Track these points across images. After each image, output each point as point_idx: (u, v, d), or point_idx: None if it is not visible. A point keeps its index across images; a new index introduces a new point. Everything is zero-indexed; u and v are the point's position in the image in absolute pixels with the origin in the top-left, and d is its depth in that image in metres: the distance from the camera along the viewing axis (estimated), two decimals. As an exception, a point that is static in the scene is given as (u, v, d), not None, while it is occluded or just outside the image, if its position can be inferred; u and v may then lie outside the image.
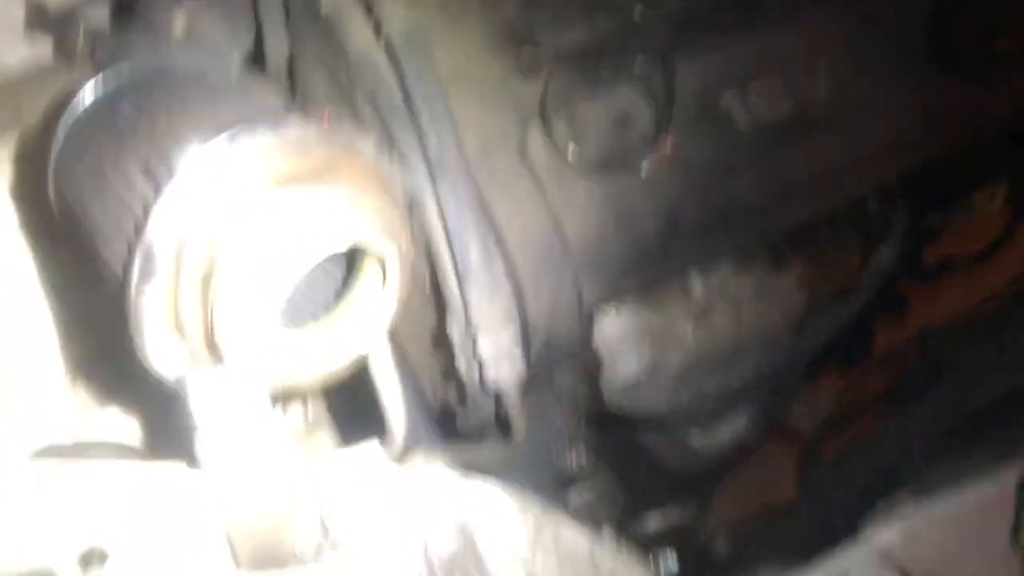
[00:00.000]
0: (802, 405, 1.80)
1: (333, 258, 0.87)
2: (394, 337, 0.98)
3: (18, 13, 1.18)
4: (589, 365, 1.24)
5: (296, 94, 1.22)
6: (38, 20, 1.16)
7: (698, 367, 1.37)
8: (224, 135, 0.81)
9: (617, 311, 1.27)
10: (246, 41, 1.20)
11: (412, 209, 0.99)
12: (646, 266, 1.16)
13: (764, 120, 1.17)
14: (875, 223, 1.47)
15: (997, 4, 1.30)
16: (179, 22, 1.06)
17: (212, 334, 0.83)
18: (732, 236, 1.22)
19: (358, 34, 1.04)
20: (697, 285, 1.33)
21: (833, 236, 1.43)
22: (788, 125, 1.18)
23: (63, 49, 1.13)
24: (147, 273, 0.80)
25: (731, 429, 1.56)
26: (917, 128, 1.27)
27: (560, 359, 1.16)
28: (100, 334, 1.20)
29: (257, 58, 1.22)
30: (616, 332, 1.27)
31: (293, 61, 1.21)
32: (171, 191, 0.79)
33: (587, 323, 1.17)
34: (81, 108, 0.97)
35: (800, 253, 1.40)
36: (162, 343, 0.84)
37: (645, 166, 1.09)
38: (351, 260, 0.92)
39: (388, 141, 0.99)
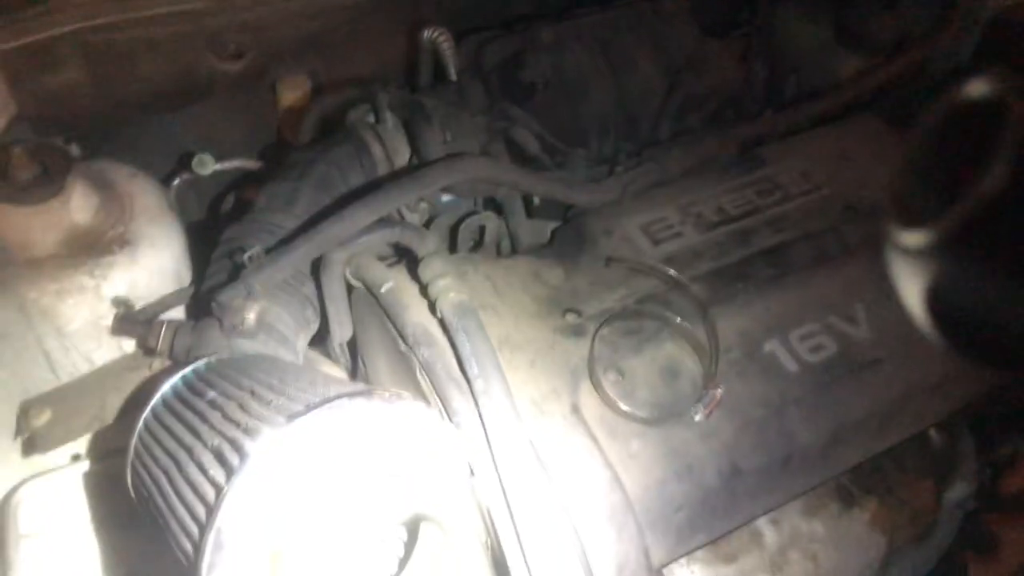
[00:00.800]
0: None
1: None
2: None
3: (107, 316, 1.29)
4: (665, 626, 1.18)
5: (358, 374, 1.29)
6: (125, 322, 1.28)
7: (780, 621, 1.31)
8: (291, 422, 0.86)
9: (690, 567, 1.24)
10: (313, 327, 1.28)
11: (472, 474, 1.01)
12: (712, 516, 1.14)
13: (811, 363, 1.20)
14: (943, 458, 1.45)
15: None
16: (251, 316, 1.16)
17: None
18: (794, 480, 1.20)
19: (414, 311, 1.12)
20: (768, 533, 1.30)
21: (902, 474, 1.40)
22: (835, 366, 1.20)
23: (146, 347, 1.23)
24: (217, 557, 0.82)
25: None
26: (961, 360, 1.28)
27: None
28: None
29: (323, 341, 1.31)
30: (690, 588, 1.23)
31: (355, 343, 1.29)
32: (241, 477, 0.83)
33: (656, 579, 1.14)
34: (159, 399, 1.04)
35: (870, 494, 1.36)
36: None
37: (697, 415, 1.11)
38: (413, 531, 0.93)
39: (445, 410, 1.03)
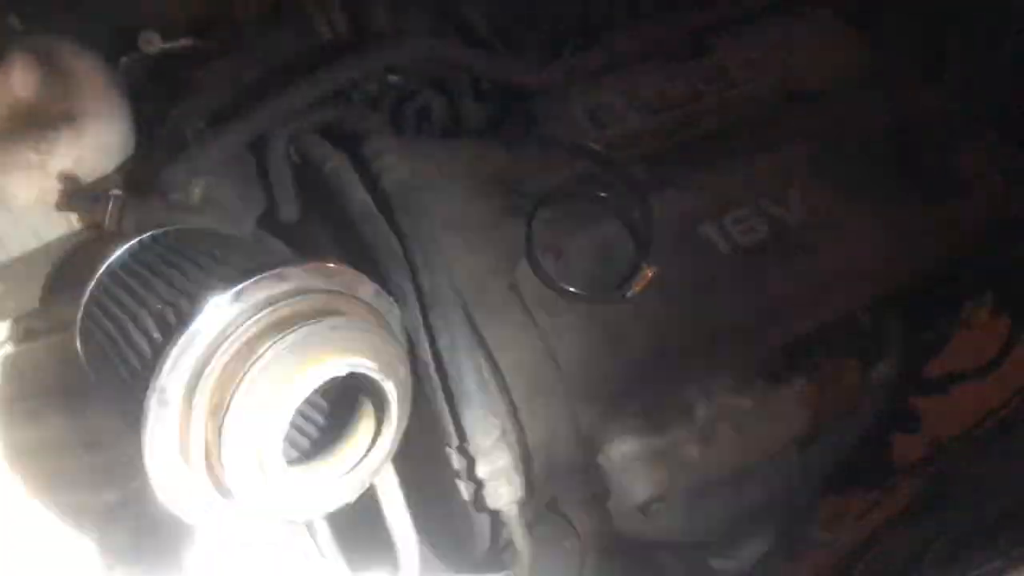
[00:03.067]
0: (825, 529, 1.79)
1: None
2: (396, 464, 1.03)
3: (54, 192, 1.30)
4: (597, 490, 1.26)
5: (305, 250, 1.32)
6: (73, 197, 1.29)
7: (708, 488, 1.39)
8: (231, 286, 0.89)
9: (621, 435, 1.31)
10: (260, 205, 1.30)
11: (409, 344, 1.06)
12: (640, 388, 1.20)
13: (742, 245, 1.24)
14: (869, 340, 1.52)
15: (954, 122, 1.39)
16: (196, 191, 1.18)
17: (220, 470, 0.88)
18: (721, 356, 1.26)
19: (356, 190, 1.14)
20: (699, 406, 1.37)
21: (829, 354, 1.47)
22: (766, 248, 1.25)
23: (93, 222, 1.25)
24: (160, 413, 0.87)
25: (752, 552, 1.56)
26: (893, 246, 1.34)
27: (564, 483, 1.18)
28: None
29: (271, 220, 1.33)
30: (622, 456, 1.30)
31: (301, 221, 1.31)
32: (182, 337, 0.87)
33: (588, 446, 1.21)
34: (106, 270, 1.07)
35: (797, 371, 1.44)
36: (173, 478, 0.89)
37: (629, 292, 1.15)
38: (348, 398, 0.98)
39: (386, 284, 1.07)
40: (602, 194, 1.23)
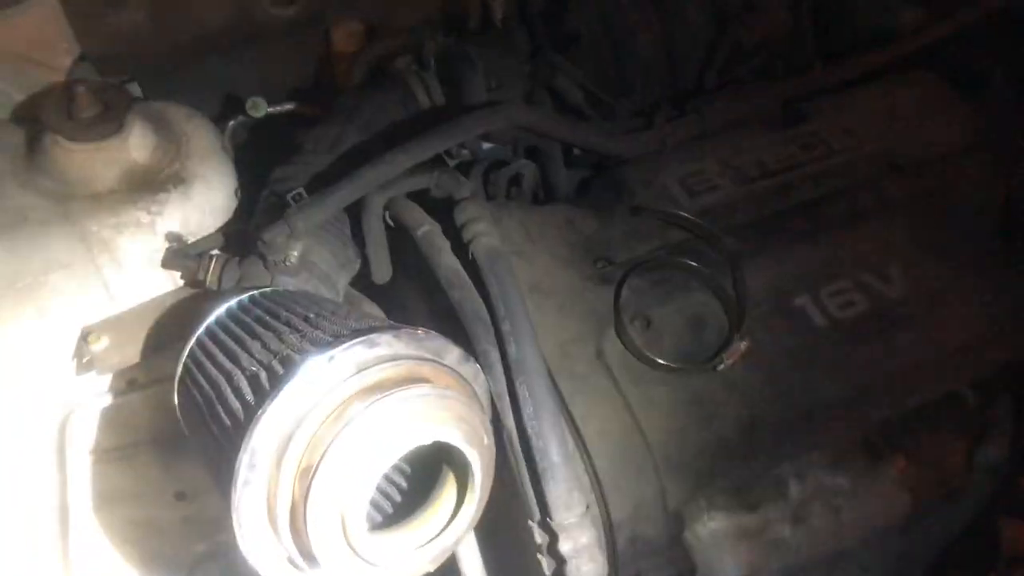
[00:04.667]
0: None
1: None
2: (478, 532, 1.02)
3: (162, 250, 1.36)
4: (683, 568, 1.22)
5: (396, 312, 1.34)
6: (177, 256, 1.34)
7: (800, 571, 1.33)
8: (323, 351, 0.91)
9: (710, 512, 1.27)
10: (354, 267, 1.33)
11: (494, 412, 1.05)
12: (731, 465, 1.16)
13: (840, 318, 1.21)
14: (977, 420, 1.44)
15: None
16: (294, 254, 1.21)
17: (304, 533, 0.89)
18: (817, 434, 1.21)
19: (447, 256, 1.15)
20: (792, 484, 1.32)
21: (933, 433, 1.40)
22: (865, 323, 1.21)
23: (195, 280, 1.30)
24: (249, 475, 0.88)
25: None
26: (1000, 322, 1.27)
27: (649, 560, 1.15)
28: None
29: (365, 281, 1.36)
30: (711, 534, 1.26)
31: (394, 284, 1.34)
32: (274, 402, 0.89)
33: (675, 523, 1.17)
34: (205, 328, 1.11)
35: (898, 451, 1.37)
36: (259, 538, 0.90)
37: (721, 365, 1.13)
38: (433, 465, 0.98)
39: (472, 350, 1.07)
40: (694, 263, 1.22)
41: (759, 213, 1.30)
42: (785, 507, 1.31)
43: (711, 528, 1.26)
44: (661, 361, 1.13)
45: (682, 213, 1.26)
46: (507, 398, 1.04)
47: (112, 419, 1.37)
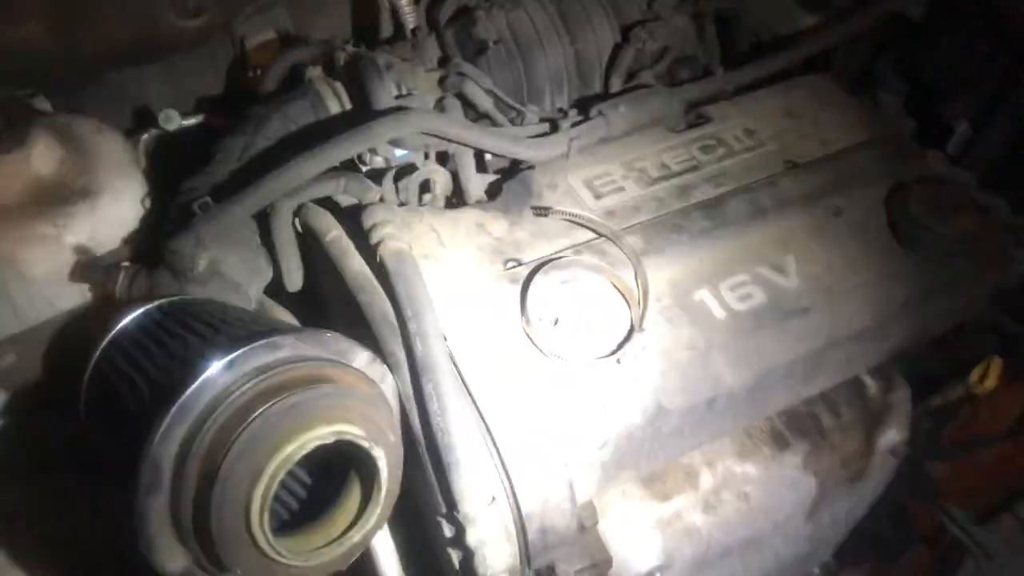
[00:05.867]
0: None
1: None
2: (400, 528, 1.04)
3: (69, 263, 1.35)
4: (598, 558, 1.25)
5: (309, 318, 1.35)
6: (85, 269, 1.33)
7: (713, 557, 1.37)
8: (224, 355, 0.92)
9: (624, 503, 1.30)
10: (266, 275, 1.34)
11: (402, 411, 1.07)
12: (637, 453, 1.20)
13: (738, 311, 1.25)
14: (877, 404, 1.50)
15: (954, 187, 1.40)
16: (202, 262, 1.21)
17: (209, 537, 0.89)
18: (720, 421, 1.26)
19: (354, 260, 1.17)
20: (703, 473, 1.37)
21: (835, 419, 1.46)
22: (762, 314, 1.26)
23: (104, 292, 1.29)
24: (151, 480, 0.89)
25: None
26: (894, 310, 1.33)
27: (564, 551, 1.17)
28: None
29: (279, 289, 1.37)
30: (625, 524, 1.30)
31: (306, 290, 1.34)
32: (174, 407, 0.89)
33: (588, 513, 1.20)
34: (111, 340, 1.10)
35: (803, 438, 1.42)
36: (165, 547, 0.90)
37: (625, 358, 1.16)
38: (340, 465, 0.99)
39: (381, 352, 1.08)
40: (598, 262, 1.25)
41: (660, 212, 1.34)
42: (696, 496, 1.35)
43: (626, 519, 1.30)
44: (567, 356, 1.16)
45: (587, 214, 1.30)
46: (414, 397, 1.06)
47: (22, 437, 1.35)
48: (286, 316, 1.30)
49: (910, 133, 1.65)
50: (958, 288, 1.38)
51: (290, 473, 0.93)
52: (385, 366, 1.06)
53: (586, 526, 1.18)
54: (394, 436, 1.00)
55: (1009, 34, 1.55)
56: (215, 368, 0.91)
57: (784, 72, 1.67)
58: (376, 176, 1.41)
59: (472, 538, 1.01)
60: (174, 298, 1.16)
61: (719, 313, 1.25)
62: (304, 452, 0.89)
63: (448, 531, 1.04)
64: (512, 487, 1.07)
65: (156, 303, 1.15)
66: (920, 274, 1.34)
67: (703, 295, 1.26)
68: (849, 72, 1.83)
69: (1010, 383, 1.61)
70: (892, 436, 1.51)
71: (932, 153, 1.54)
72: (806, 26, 1.81)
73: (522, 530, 1.07)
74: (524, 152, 1.40)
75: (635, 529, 1.31)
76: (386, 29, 1.65)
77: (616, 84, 1.57)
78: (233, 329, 1.01)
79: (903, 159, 1.47)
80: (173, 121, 1.68)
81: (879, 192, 1.40)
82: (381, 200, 1.34)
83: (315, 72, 1.52)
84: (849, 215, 1.38)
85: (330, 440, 0.91)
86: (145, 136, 1.73)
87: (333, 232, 1.21)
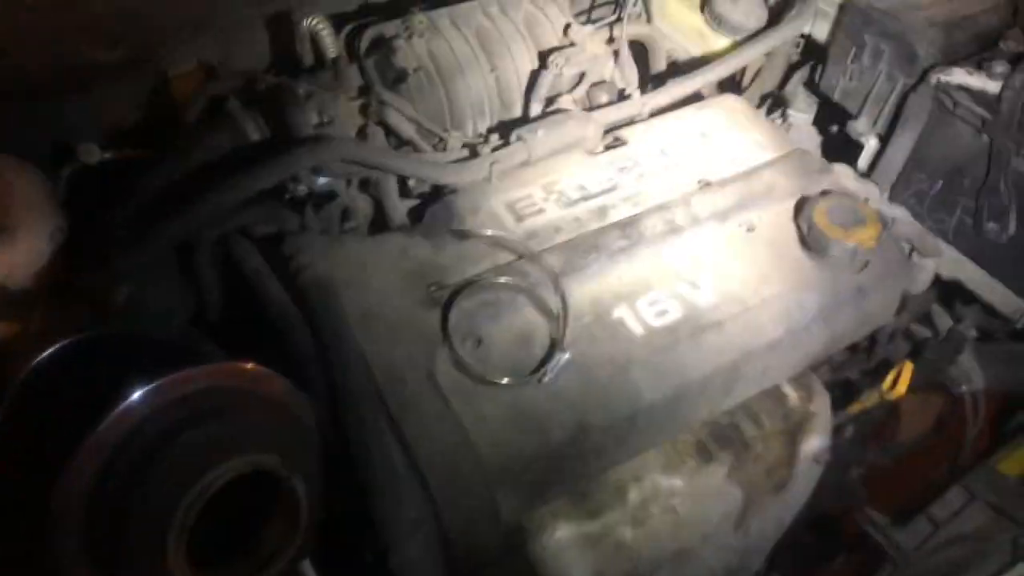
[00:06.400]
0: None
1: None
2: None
3: (-15, 302, 1.32)
4: (528, 577, 1.26)
5: (233, 348, 1.34)
6: (1, 306, 1.31)
7: (645, 571, 1.39)
8: (138, 389, 0.92)
9: (553, 522, 1.32)
10: (189, 306, 1.33)
11: (323, 440, 1.07)
12: (561, 471, 1.22)
13: (655, 327, 1.28)
14: (799, 413, 1.55)
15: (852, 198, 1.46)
16: (120, 295, 1.20)
17: (127, 573, 0.88)
18: (642, 436, 1.28)
19: (273, 288, 1.17)
20: (631, 488, 1.39)
21: (758, 429, 1.50)
22: (678, 329, 1.29)
23: (23, 328, 1.27)
24: (65, 518, 0.88)
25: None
26: (806, 320, 1.38)
27: (495, 572, 1.19)
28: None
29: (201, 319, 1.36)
30: (556, 543, 1.31)
31: (229, 319, 1.34)
32: (86, 443, 0.89)
33: (518, 533, 1.22)
34: (26, 376, 1.09)
35: (727, 449, 1.46)
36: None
37: (547, 378, 1.18)
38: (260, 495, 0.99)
39: (301, 380, 1.09)
40: (519, 283, 1.28)
41: (580, 233, 1.37)
42: (625, 511, 1.37)
43: (556, 538, 1.31)
44: (490, 377, 1.18)
45: (507, 236, 1.32)
46: (334, 425, 1.06)
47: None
48: (208, 346, 1.29)
49: (819, 150, 1.72)
50: (867, 297, 1.43)
51: (209, 503, 0.93)
52: (305, 395, 1.06)
53: (513, 546, 1.19)
54: (315, 465, 1.00)
55: (908, 53, 1.62)
56: (130, 401, 0.91)
57: (696, 94, 1.73)
58: (299, 204, 1.42)
59: (394, 561, 1.01)
60: (91, 333, 1.15)
61: (637, 329, 1.28)
62: (219, 484, 0.89)
63: (371, 557, 1.04)
64: (436, 510, 1.08)
65: (73, 338, 1.13)
66: (830, 285, 1.39)
67: (622, 312, 1.29)
68: (760, 92, 1.89)
69: (923, 387, 1.68)
70: (814, 443, 1.55)
71: (840, 167, 1.61)
72: (718, 48, 1.88)
73: (447, 553, 1.08)
74: (446, 177, 1.42)
75: (564, 547, 1.33)
76: (308, 59, 1.66)
77: (536, 108, 1.61)
78: (150, 361, 1.00)
79: (811, 174, 1.52)
80: (94, 155, 1.66)
81: (788, 207, 1.46)
82: (302, 228, 1.35)
83: (235, 103, 1.52)
84: (760, 230, 1.43)
85: (247, 471, 0.91)
86: (66, 170, 1.71)
87: (253, 262, 1.22)
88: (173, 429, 0.91)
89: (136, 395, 0.91)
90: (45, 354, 1.10)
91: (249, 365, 1.01)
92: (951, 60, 1.62)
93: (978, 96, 1.54)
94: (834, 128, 1.89)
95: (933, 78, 1.58)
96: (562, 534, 1.32)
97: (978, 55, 1.63)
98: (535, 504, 1.25)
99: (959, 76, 1.56)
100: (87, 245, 1.33)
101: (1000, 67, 1.55)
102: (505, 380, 1.18)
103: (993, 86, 1.53)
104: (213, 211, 1.23)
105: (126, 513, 0.88)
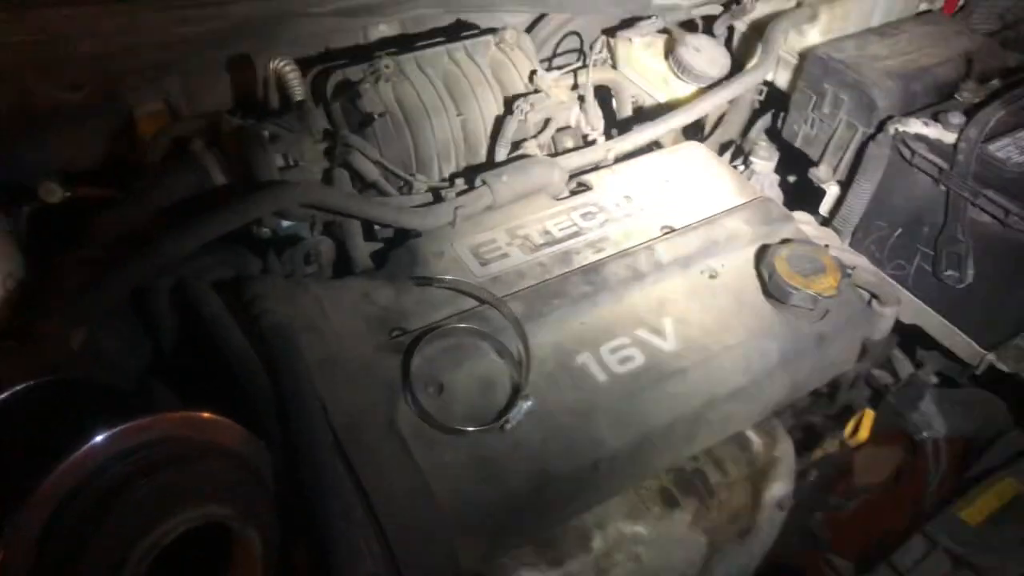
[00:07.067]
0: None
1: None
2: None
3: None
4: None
5: (190, 394, 1.32)
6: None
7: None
8: (90, 439, 0.90)
9: (516, 571, 1.30)
10: (146, 352, 1.31)
11: (280, 489, 1.05)
12: (521, 520, 1.21)
13: (618, 373, 1.28)
14: (762, 459, 1.55)
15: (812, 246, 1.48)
16: (76, 340, 1.18)
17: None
18: (604, 483, 1.28)
19: (233, 334, 1.16)
20: (594, 536, 1.38)
21: (722, 476, 1.50)
22: (641, 376, 1.29)
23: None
24: (14, 562, 0.85)
25: None
26: (770, 367, 1.39)
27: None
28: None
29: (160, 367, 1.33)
30: (519, 592, 1.30)
31: (187, 365, 1.32)
32: (36, 494, 0.86)
33: (471, 582, 1.20)
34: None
35: (690, 495, 1.46)
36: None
37: (509, 425, 1.17)
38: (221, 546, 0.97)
39: (258, 429, 1.07)
40: (482, 329, 1.27)
41: (543, 278, 1.37)
42: (588, 559, 1.36)
43: (521, 585, 1.30)
44: (451, 425, 1.16)
45: (469, 283, 1.32)
46: (291, 474, 1.04)
47: None
48: (165, 394, 1.27)
49: (781, 197, 1.74)
50: (828, 344, 1.44)
51: (161, 556, 0.90)
52: (262, 443, 1.05)
53: (473, 597, 1.17)
54: (270, 515, 0.98)
55: (866, 103, 1.66)
56: (83, 449, 0.89)
57: (661, 138, 1.75)
58: (262, 246, 1.41)
59: (351, 616, 0.99)
60: (43, 379, 1.12)
61: (601, 376, 1.28)
62: (171, 537, 0.87)
63: (327, 609, 1.02)
64: (395, 560, 1.06)
65: (24, 384, 1.11)
66: (791, 332, 1.40)
67: (585, 358, 1.29)
68: (724, 139, 1.92)
69: (884, 434, 1.69)
70: (778, 489, 1.55)
71: (800, 215, 1.63)
72: (682, 95, 1.91)
73: (406, 604, 1.06)
74: (410, 221, 1.42)
75: (530, 595, 1.31)
76: (273, 100, 1.66)
77: (501, 153, 1.62)
78: (100, 411, 0.98)
79: (772, 222, 1.54)
80: (55, 194, 1.64)
81: (750, 254, 1.47)
82: (265, 271, 1.34)
83: (198, 144, 1.51)
84: (723, 277, 1.44)
85: (199, 522, 0.89)
86: (26, 208, 1.68)
87: (211, 306, 1.20)
88: (126, 479, 0.89)
89: (90, 443, 0.89)
90: (-2, 401, 1.08)
91: (205, 415, 0.99)
92: (908, 110, 1.66)
93: (935, 146, 1.57)
94: (794, 176, 1.93)
95: (891, 128, 1.61)
96: (527, 581, 1.31)
97: (934, 106, 1.68)
98: (496, 553, 1.24)
99: (916, 126, 1.59)
100: (44, 286, 1.30)
101: (956, 118, 1.58)
102: (468, 428, 1.17)
103: (949, 137, 1.57)
104: (173, 255, 1.22)
105: (75, 564, 0.85)
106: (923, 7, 2.01)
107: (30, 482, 0.88)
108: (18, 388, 1.10)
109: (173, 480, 0.89)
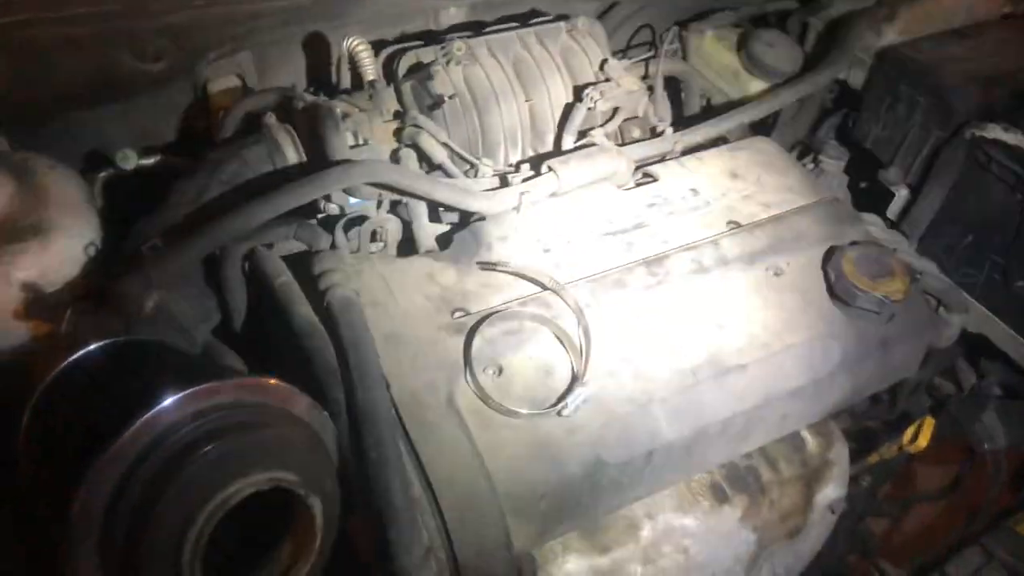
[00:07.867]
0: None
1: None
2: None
3: (15, 301, 1.34)
4: (537, 609, 1.26)
5: (257, 361, 1.35)
6: (33, 306, 1.32)
7: (652, 610, 1.38)
8: (160, 400, 0.92)
9: (564, 554, 1.31)
10: (215, 317, 1.34)
11: (342, 459, 1.08)
12: (575, 505, 1.21)
13: (678, 366, 1.28)
14: (816, 461, 1.54)
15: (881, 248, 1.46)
16: (149, 303, 1.22)
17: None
18: (658, 474, 1.28)
19: (301, 305, 1.18)
20: (643, 526, 1.38)
21: (774, 475, 1.49)
22: (701, 370, 1.29)
23: (52, 331, 1.28)
24: (82, 528, 0.88)
25: None
26: (831, 369, 1.37)
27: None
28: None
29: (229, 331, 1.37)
30: (565, 574, 1.30)
31: (255, 333, 1.35)
32: (108, 454, 0.89)
33: (528, 564, 1.21)
34: (53, 379, 1.10)
35: (742, 492, 1.45)
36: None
37: (566, 411, 1.18)
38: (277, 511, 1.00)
39: (323, 399, 1.09)
40: (544, 315, 1.28)
41: (607, 267, 1.37)
42: (636, 548, 1.37)
43: (565, 570, 1.31)
44: (509, 407, 1.18)
45: (533, 268, 1.33)
46: (353, 445, 1.07)
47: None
48: (232, 359, 1.30)
49: (849, 197, 1.71)
50: (891, 349, 1.42)
51: (226, 518, 0.93)
52: (326, 413, 1.07)
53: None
54: (332, 484, 1.01)
55: (943, 106, 1.62)
56: (152, 412, 0.92)
57: (729, 134, 1.73)
58: (330, 223, 1.44)
59: (404, 588, 1.01)
60: (119, 339, 1.16)
61: (659, 367, 1.28)
62: (238, 499, 0.90)
63: (383, 581, 1.04)
64: (448, 537, 1.08)
65: (100, 343, 1.14)
66: (855, 335, 1.38)
67: (644, 349, 1.29)
68: (793, 136, 1.90)
69: (942, 443, 1.67)
70: (830, 492, 1.54)
71: (869, 216, 1.60)
72: (753, 90, 1.89)
73: (457, 579, 1.08)
74: (476, 204, 1.43)
75: (575, 580, 1.32)
76: (345, 80, 1.68)
77: (568, 141, 1.62)
78: (174, 373, 1.02)
79: (841, 222, 1.52)
80: (130, 160, 1.68)
81: (817, 254, 1.45)
82: (332, 247, 1.36)
83: (272, 119, 1.54)
84: (788, 276, 1.43)
85: (266, 487, 0.91)
86: (102, 175, 1.73)
87: (282, 277, 1.23)
88: (196, 441, 0.91)
89: (162, 404, 0.92)
90: (73, 357, 1.12)
91: (273, 381, 1.01)
92: (987, 115, 1.62)
93: (1013, 153, 1.53)
94: (864, 176, 1.89)
95: (968, 133, 1.58)
96: (572, 567, 1.32)
97: (1015, 111, 1.63)
98: (547, 536, 1.25)
99: (995, 132, 1.56)
100: (119, 251, 1.34)
101: (1037, 125, 1.55)
102: (524, 411, 1.18)
103: (1029, 143, 1.53)
104: (245, 225, 1.24)
105: (143, 523, 0.88)
106: (1006, 10, 1.96)
107: (102, 441, 0.90)
108: (94, 346, 1.14)
109: (243, 443, 0.92)
